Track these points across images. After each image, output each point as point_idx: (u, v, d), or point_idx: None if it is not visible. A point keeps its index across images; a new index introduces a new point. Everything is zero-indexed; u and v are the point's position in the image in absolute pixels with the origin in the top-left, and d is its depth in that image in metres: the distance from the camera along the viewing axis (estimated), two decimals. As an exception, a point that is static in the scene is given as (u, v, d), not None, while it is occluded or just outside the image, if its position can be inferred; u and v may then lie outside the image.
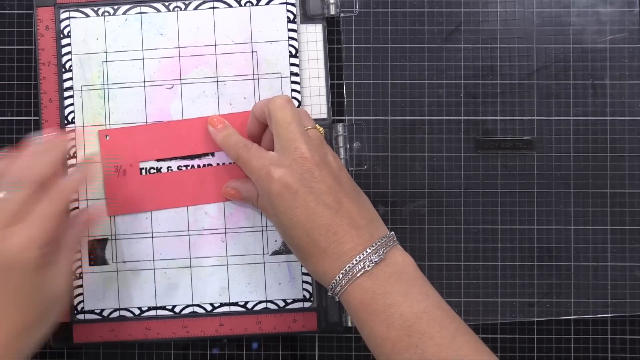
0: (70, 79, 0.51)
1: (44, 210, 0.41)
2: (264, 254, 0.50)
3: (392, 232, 0.43)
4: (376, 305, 0.40)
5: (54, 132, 0.50)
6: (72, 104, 0.50)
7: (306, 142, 0.43)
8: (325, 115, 0.51)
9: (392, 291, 0.40)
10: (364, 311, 0.40)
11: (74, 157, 0.50)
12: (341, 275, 0.41)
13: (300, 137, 0.43)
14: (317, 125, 0.46)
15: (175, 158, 0.50)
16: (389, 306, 0.40)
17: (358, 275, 0.40)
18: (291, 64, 0.51)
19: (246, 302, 0.50)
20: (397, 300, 0.40)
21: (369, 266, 0.40)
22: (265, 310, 0.50)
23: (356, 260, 0.41)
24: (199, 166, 0.50)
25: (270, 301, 0.50)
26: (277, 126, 0.44)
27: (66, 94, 0.51)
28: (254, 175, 0.44)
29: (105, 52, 0.51)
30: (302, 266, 0.50)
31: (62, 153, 0.46)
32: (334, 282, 0.41)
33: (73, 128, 0.50)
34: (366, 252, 0.41)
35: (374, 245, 0.41)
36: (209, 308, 0.50)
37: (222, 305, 0.50)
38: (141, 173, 0.50)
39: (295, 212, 0.42)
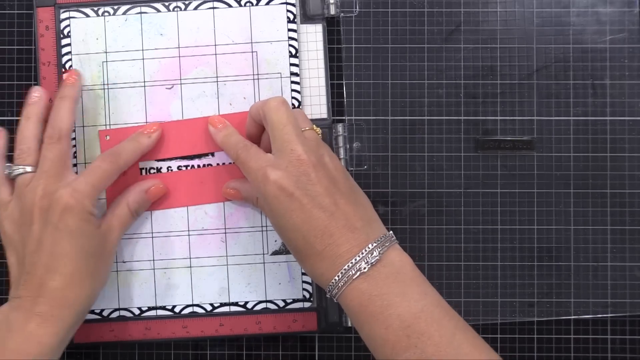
0: (71, 79, 0.51)
1: (93, 166, 0.46)
2: (263, 254, 0.50)
3: (391, 232, 0.43)
4: (374, 306, 0.40)
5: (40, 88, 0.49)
6: (72, 104, 0.50)
7: (302, 143, 0.43)
8: (325, 116, 0.51)
9: (389, 292, 0.40)
10: (362, 313, 0.40)
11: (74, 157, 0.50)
12: (338, 278, 0.41)
13: (296, 138, 0.43)
14: (314, 126, 0.45)
15: (175, 158, 0.50)
16: (387, 307, 0.40)
17: (354, 277, 0.40)
18: (291, 64, 0.51)
19: (246, 302, 0.50)
20: (394, 301, 0.40)
21: (365, 268, 0.40)
22: (265, 310, 0.50)
23: (352, 262, 0.40)
24: (199, 166, 0.50)
25: (270, 301, 0.50)
26: (272, 128, 0.44)
27: (66, 94, 0.51)
28: (251, 176, 0.44)
29: (105, 52, 0.51)
30: (301, 266, 0.50)
31: (75, 97, 0.48)
32: (331, 285, 0.41)
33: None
34: (362, 253, 0.41)
35: (370, 246, 0.41)
36: (209, 308, 0.50)
37: (222, 305, 0.50)
38: (141, 173, 0.50)
39: (292, 214, 0.42)
